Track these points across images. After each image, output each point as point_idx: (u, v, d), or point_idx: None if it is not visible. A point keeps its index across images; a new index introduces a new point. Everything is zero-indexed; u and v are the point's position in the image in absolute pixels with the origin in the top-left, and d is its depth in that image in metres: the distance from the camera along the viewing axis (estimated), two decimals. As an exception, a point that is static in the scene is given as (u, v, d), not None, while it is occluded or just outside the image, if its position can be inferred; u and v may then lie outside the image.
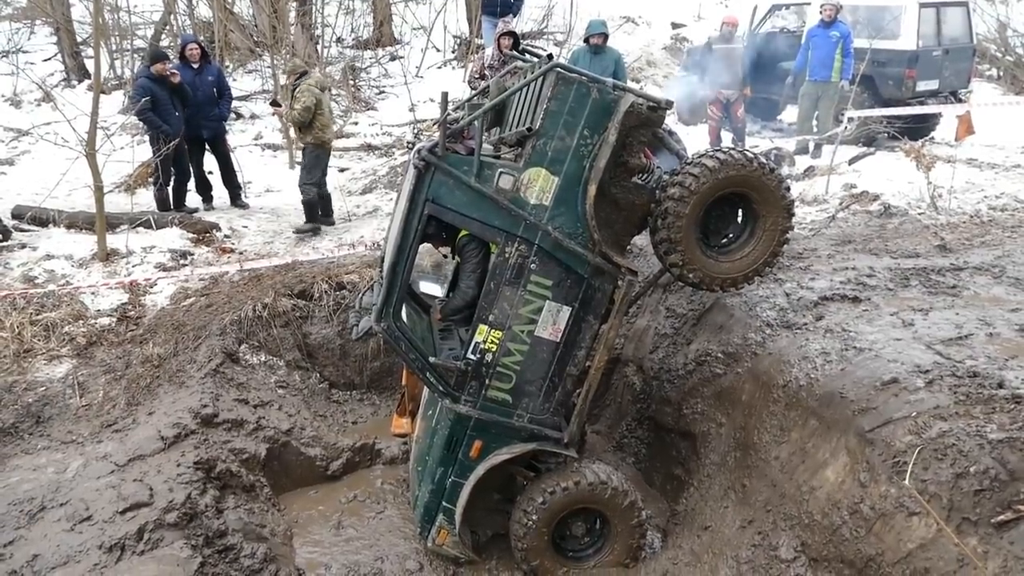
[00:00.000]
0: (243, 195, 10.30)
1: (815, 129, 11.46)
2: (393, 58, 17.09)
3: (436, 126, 4.90)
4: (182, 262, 8.26)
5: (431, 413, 5.42)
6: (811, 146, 11.13)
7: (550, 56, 4.72)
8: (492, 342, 4.78)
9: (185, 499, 5.03)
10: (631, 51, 15.79)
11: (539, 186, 4.54)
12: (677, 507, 5.83)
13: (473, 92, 5.93)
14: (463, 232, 5.03)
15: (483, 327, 4.76)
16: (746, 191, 4.75)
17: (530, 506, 5.02)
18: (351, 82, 15.66)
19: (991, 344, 4.82)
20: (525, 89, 4.75)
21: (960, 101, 12.08)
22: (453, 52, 17.29)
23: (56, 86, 15.70)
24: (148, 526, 4.78)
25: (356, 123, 14.28)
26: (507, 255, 4.64)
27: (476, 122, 4.58)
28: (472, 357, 4.79)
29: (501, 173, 4.50)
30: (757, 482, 5.11)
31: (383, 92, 15.82)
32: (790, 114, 13.02)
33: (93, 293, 7.42)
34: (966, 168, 9.47)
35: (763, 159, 4.73)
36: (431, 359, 4.79)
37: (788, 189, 4.84)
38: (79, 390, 6.28)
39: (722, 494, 5.39)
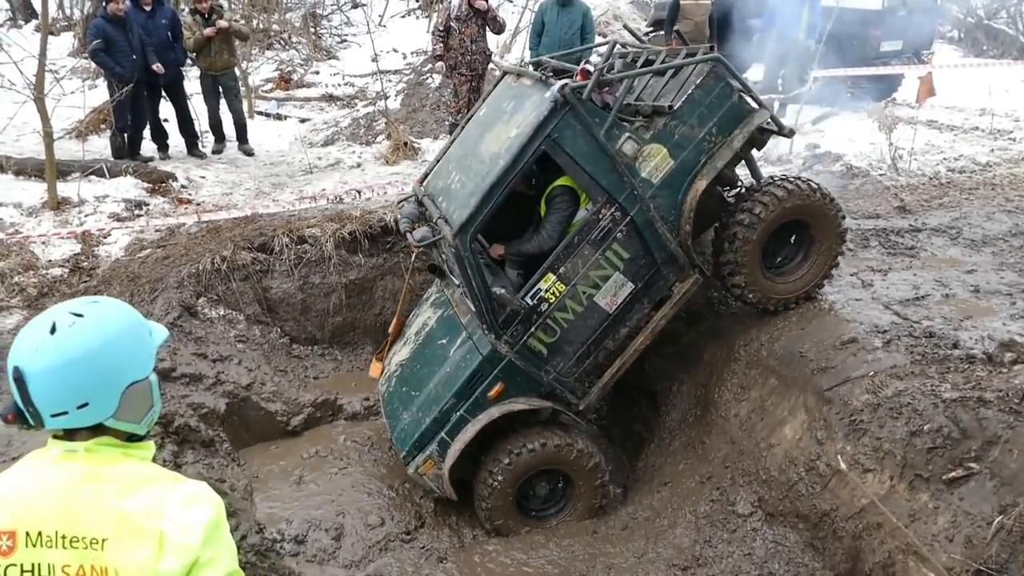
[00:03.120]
0: (200, 144, 10.00)
1: (780, 88, 11.45)
2: (356, 6, 16.63)
3: (580, 72, 4.93)
4: (137, 212, 8.02)
5: (444, 341, 5.35)
6: (776, 105, 11.12)
7: (712, 48, 4.96)
8: (553, 293, 4.82)
9: (142, 454, 4.95)
10: (597, 4, 15.56)
11: (655, 163, 4.71)
12: (637, 463, 5.91)
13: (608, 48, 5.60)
14: (559, 181, 5.04)
15: (551, 276, 4.81)
16: (807, 219, 5.01)
17: (496, 467, 5.02)
18: (312, 29, 15.22)
19: (947, 305, 4.92)
20: (662, 66, 5.02)
21: (922, 62, 12.13)
22: (417, 1, 16.89)
23: (1, 26, 15.02)
24: (104, 481, 4.71)
25: (317, 72, 13.92)
26: (600, 216, 4.73)
27: (624, 81, 4.73)
28: (529, 301, 4.81)
29: (628, 138, 4.63)
30: (716, 439, 5.19)
31: (345, 41, 15.42)
32: (756, 72, 13.00)
33: (44, 243, 7.20)
34: (926, 130, 9.57)
35: (825, 190, 4.98)
36: (495, 289, 4.76)
37: (844, 217, 5.11)
38: (31, 343, 6.11)
39: (681, 451, 5.47)
